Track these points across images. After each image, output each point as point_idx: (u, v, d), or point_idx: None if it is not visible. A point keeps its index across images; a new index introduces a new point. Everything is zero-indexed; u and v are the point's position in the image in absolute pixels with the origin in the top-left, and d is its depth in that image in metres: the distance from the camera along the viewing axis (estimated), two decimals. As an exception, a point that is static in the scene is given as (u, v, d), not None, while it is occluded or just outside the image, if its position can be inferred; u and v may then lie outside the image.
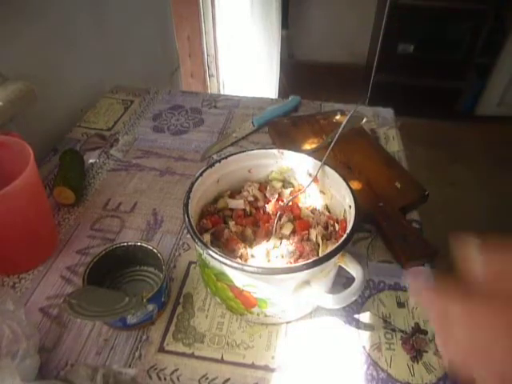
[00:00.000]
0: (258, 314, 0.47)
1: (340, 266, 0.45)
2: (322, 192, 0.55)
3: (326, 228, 0.51)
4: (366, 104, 2.26)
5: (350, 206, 0.47)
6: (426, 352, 0.46)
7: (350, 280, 0.44)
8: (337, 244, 0.42)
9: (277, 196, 0.55)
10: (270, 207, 0.54)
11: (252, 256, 0.48)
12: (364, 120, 0.79)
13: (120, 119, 0.85)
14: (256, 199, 0.55)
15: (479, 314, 0.25)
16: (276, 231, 0.51)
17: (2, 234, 0.49)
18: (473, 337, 0.26)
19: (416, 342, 0.47)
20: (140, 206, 0.65)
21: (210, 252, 0.41)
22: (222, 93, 1.78)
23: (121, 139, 0.79)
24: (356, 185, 0.64)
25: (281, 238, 0.50)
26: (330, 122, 0.80)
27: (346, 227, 0.47)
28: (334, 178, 0.51)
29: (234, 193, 0.56)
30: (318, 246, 0.49)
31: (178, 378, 0.44)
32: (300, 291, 0.43)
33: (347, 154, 0.69)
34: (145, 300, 0.44)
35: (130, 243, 0.51)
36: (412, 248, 0.56)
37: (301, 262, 0.41)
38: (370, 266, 0.55)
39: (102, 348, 0.47)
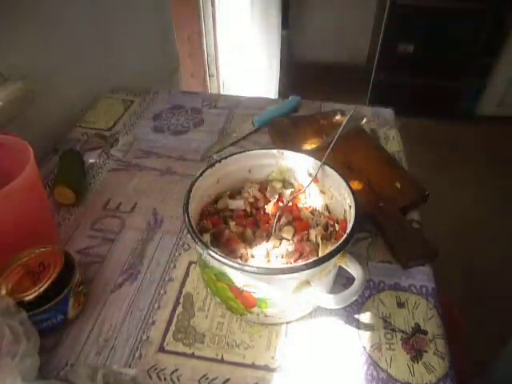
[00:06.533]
0: (257, 314, 0.47)
1: (340, 266, 0.45)
2: (322, 192, 0.55)
3: (325, 229, 0.51)
4: (366, 104, 2.26)
5: (350, 206, 0.47)
6: (426, 352, 0.46)
7: (350, 280, 0.44)
8: (337, 244, 0.42)
9: (277, 196, 0.55)
10: (269, 208, 0.54)
11: (252, 256, 0.48)
12: (364, 120, 0.79)
13: (120, 119, 0.85)
14: (256, 200, 0.55)
15: None
16: (275, 232, 0.51)
17: (2, 233, 0.49)
18: None
19: (416, 342, 0.47)
20: (140, 205, 0.65)
21: (210, 252, 0.41)
22: (222, 93, 1.78)
23: (121, 139, 0.79)
24: (356, 185, 0.64)
25: (281, 239, 0.50)
26: (330, 122, 0.80)
27: (346, 227, 0.47)
28: (334, 177, 0.51)
29: (234, 193, 0.56)
30: (318, 246, 0.49)
31: (178, 378, 0.44)
32: (300, 291, 0.43)
33: (347, 154, 0.69)
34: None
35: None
36: (412, 248, 0.56)
37: (301, 262, 0.41)
38: (370, 266, 0.55)
39: (102, 348, 0.47)
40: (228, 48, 1.71)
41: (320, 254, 0.47)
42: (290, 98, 0.89)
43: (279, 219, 0.51)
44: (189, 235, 0.44)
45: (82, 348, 0.47)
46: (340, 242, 0.42)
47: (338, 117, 0.81)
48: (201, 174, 0.51)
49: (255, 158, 0.56)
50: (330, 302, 0.43)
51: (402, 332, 0.48)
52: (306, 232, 0.50)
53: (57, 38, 0.81)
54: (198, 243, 0.42)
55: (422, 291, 0.52)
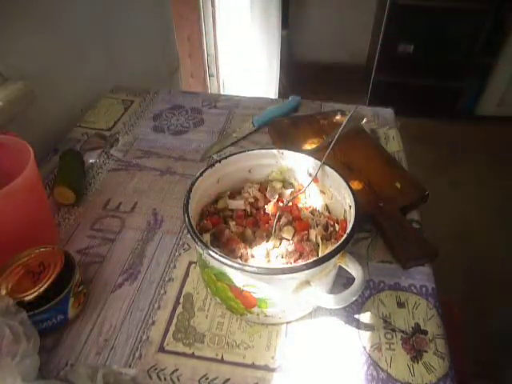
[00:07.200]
0: (257, 314, 0.47)
1: (340, 266, 0.45)
2: (322, 192, 0.55)
3: (325, 229, 0.51)
4: (366, 104, 2.26)
5: (350, 206, 0.47)
6: (426, 352, 0.46)
7: (350, 280, 0.44)
8: (337, 244, 0.42)
9: (277, 196, 0.55)
10: (269, 208, 0.54)
11: (252, 256, 0.48)
12: (364, 120, 0.79)
13: (120, 119, 0.85)
14: (256, 200, 0.55)
15: None
16: (276, 232, 0.51)
17: (2, 233, 0.49)
18: None
19: (416, 342, 0.47)
20: (140, 205, 0.65)
21: (210, 252, 0.41)
22: (222, 93, 1.78)
23: (121, 139, 0.79)
24: (356, 185, 0.64)
25: (281, 239, 0.50)
26: (330, 122, 0.80)
27: (346, 227, 0.47)
28: (334, 177, 0.51)
29: (234, 193, 0.57)
30: (318, 246, 0.49)
31: (178, 378, 0.44)
32: (300, 291, 0.43)
33: (347, 154, 0.69)
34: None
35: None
36: (412, 248, 0.56)
37: (301, 262, 0.41)
38: (370, 266, 0.55)
39: (102, 348, 0.47)
40: (228, 48, 1.71)
41: (320, 254, 0.47)
42: (289, 98, 0.89)
43: (279, 219, 0.51)
44: (189, 235, 0.44)
45: (82, 348, 0.47)
46: (340, 242, 0.42)
47: (338, 117, 0.81)
48: (201, 174, 0.51)
49: (255, 158, 0.56)
50: (330, 301, 0.43)
51: (402, 332, 0.48)
52: (305, 232, 0.50)
53: (57, 38, 0.81)
54: (198, 243, 0.42)
55: (421, 291, 0.52)
